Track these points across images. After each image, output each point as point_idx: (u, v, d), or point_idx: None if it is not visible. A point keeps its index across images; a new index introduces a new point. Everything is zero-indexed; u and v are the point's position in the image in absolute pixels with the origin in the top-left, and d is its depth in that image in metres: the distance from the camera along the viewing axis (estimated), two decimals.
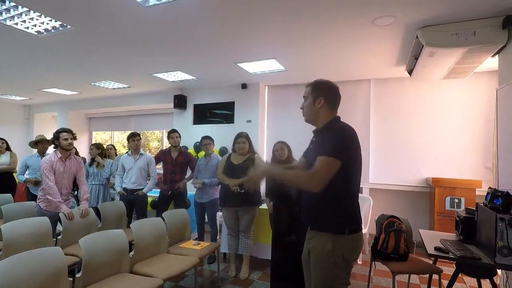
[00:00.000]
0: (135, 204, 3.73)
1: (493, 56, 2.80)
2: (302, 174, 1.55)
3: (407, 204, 4.51)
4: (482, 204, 2.13)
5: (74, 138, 3.12)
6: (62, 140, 2.98)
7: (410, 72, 3.72)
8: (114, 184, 3.97)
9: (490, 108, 3.98)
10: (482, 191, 3.62)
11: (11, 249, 2.26)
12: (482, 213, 2.14)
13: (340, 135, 1.53)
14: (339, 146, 1.48)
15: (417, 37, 2.81)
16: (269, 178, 1.65)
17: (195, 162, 4.01)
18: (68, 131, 3.04)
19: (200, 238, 3.76)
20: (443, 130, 4.27)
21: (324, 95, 1.61)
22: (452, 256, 2.01)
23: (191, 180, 3.84)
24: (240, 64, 4.11)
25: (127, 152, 3.94)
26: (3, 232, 2.40)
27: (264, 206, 3.41)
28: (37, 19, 2.82)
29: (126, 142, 3.97)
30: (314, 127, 1.71)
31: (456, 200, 3.78)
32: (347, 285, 1.55)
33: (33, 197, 4.10)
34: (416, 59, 3.18)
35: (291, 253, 2.23)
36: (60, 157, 3.02)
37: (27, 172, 4.25)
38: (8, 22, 2.87)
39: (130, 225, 2.64)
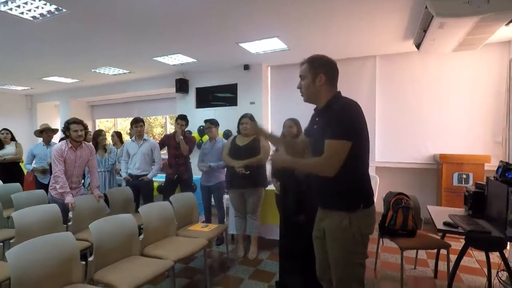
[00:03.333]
0: (141, 189, 3.76)
1: (507, 24, 2.68)
2: (315, 162, 1.50)
3: (414, 181, 4.48)
4: (493, 178, 2.09)
5: (86, 128, 3.10)
6: (72, 132, 2.96)
7: (418, 46, 3.59)
8: (120, 170, 4.00)
9: (500, 81, 3.86)
10: (491, 166, 3.57)
11: (23, 236, 2.29)
12: (493, 187, 2.11)
13: (345, 114, 1.46)
14: (347, 126, 1.43)
15: (426, 7, 2.67)
16: (288, 168, 1.67)
17: (193, 144, 3.99)
18: (78, 122, 3.00)
19: (207, 221, 3.80)
20: (451, 105, 4.18)
21: (324, 72, 1.54)
22: (462, 231, 2.01)
23: (197, 164, 3.82)
24: (241, 44, 4.00)
25: (131, 138, 3.93)
26: (14, 220, 2.44)
27: (270, 187, 3.41)
28: (31, 3, 2.74)
29: (129, 128, 3.94)
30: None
31: (464, 176, 3.74)
32: (365, 259, 1.56)
33: (41, 186, 4.14)
34: (425, 31, 3.06)
35: (300, 232, 2.24)
36: (71, 147, 3.01)
37: (34, 161, 4.28)
38: (2, 8, 2.79)
39: (139, 210, 2.66)
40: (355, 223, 1.48)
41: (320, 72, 1.54)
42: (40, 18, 3.03)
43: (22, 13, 2.91)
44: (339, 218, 1.50)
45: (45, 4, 2.75)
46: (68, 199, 2.89)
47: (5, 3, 2.71)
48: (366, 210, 1.51)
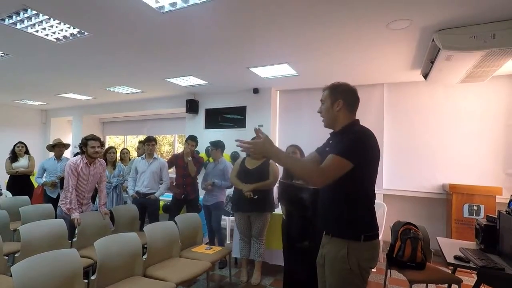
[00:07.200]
0: (147, 208, 3.76)
1: None
2: (309, 166, 1.52)
3: (423, 210, 4.39)
4: (505, 212, 2.05)
5: (102, 146, 3.19)
6: (90, 148, 3.04)
7: (425, 76, 3.65)
8: (127, 187, 4.02)
9: (510, 113, 3.86)
10: (503, 198, 3.50)
11: (28, 250, 2.30)
12: (505, 221, 2.06)
13: (356, 137, 1.49)
14: (353, 148, 1.45)
15: (433, 40, 2.75)
16: (275, 157, 1.52)
17: (201, 165, 4.04)
18: (97, 139, 3.10)
19: (211, 242, 3.75)
20: (460, 136, 4.16)
21: (343, 98, 1.58)
22: (473, 266, 1.94)
23: (201, 183, 3.83)
24: (252, 69, 4.12)
25: (141, 156, 3.99)
26: (21, 234, 2.45)
27: (277, 211, 3.37)
28: (56, 27, 2.91)
29: (137, 147, 4.00)
30: (329, 131, 1.69)
31: (475, 208, 3.65)
32: None
33: (50, 200, 4.18)
34: (432, 62, 3.12)
35: (304, 259, 2.19)
36: (86, 162, 3.08)
37: (44, 175, 4.35)
38: (29, 30, 2.97)
39: (144, 229, 2.66)
40: (353, 254, 1.46)
41: (339, 98, 1.57)
42: (63, 40, 3.20)
43: (47, 35, 3.09)
44: (338, 245, 1.49)
45: (69, 28, 2.92)
46: (74, 215, 2.92)
47: (33, 25, 2.89)
48: (367, 243, 1.47)
